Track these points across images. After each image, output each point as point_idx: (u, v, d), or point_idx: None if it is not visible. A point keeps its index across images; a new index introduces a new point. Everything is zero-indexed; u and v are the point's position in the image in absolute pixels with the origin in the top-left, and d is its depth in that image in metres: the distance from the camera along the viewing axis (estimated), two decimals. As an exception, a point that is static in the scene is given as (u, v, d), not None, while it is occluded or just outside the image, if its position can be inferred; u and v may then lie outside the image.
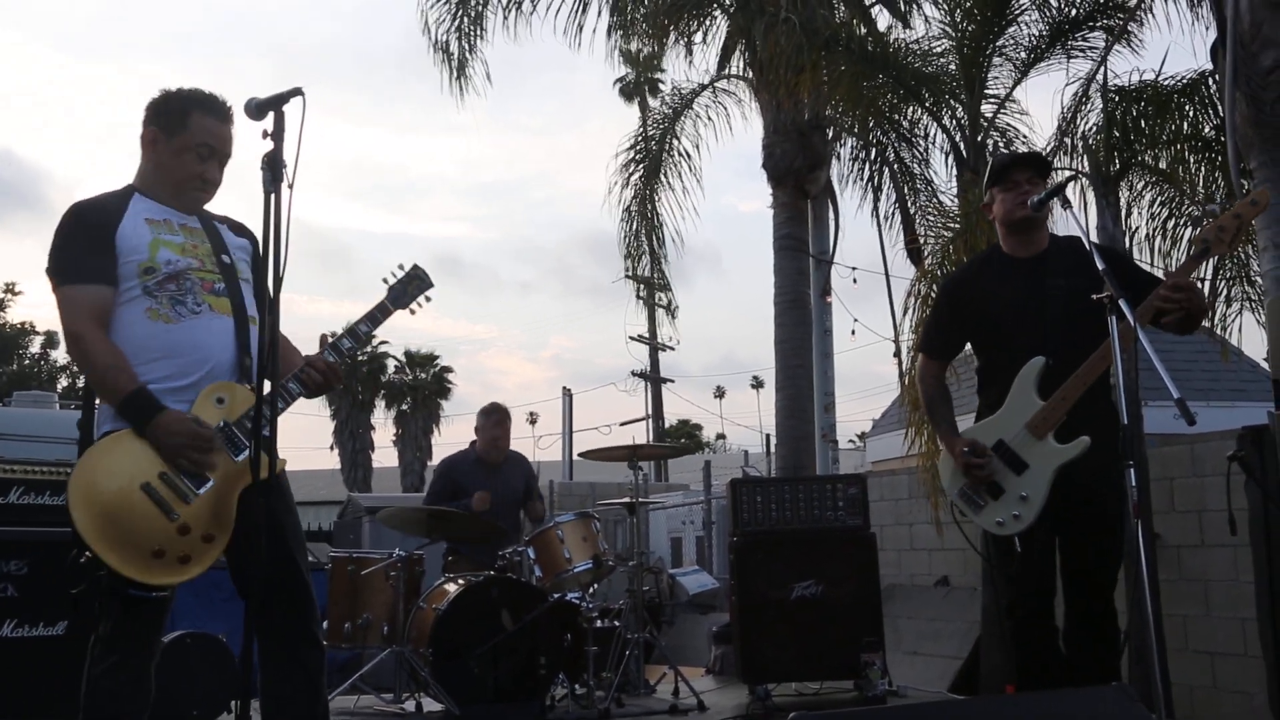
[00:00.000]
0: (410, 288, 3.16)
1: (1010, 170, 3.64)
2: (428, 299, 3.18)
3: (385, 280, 3.15)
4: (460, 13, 8.69)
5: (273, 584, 2.69)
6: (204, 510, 2.69)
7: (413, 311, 3.17)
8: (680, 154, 9.65)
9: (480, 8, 8.67)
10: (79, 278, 2.76)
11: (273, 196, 2.55)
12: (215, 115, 2.93)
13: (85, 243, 2.78)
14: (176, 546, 2.64)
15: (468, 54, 8.68)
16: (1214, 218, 3.28)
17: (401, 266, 3.20)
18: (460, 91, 8.76)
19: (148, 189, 2.92)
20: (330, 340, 3.03)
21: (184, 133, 2.89)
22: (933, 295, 6.32)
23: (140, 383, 2.70)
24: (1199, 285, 3.54)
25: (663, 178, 9.62)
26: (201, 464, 2.69)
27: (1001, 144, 7.16)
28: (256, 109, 2.64)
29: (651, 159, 9.69)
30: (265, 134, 2.58)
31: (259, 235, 2.62)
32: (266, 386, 2.77)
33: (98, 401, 2.83)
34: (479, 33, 8.68)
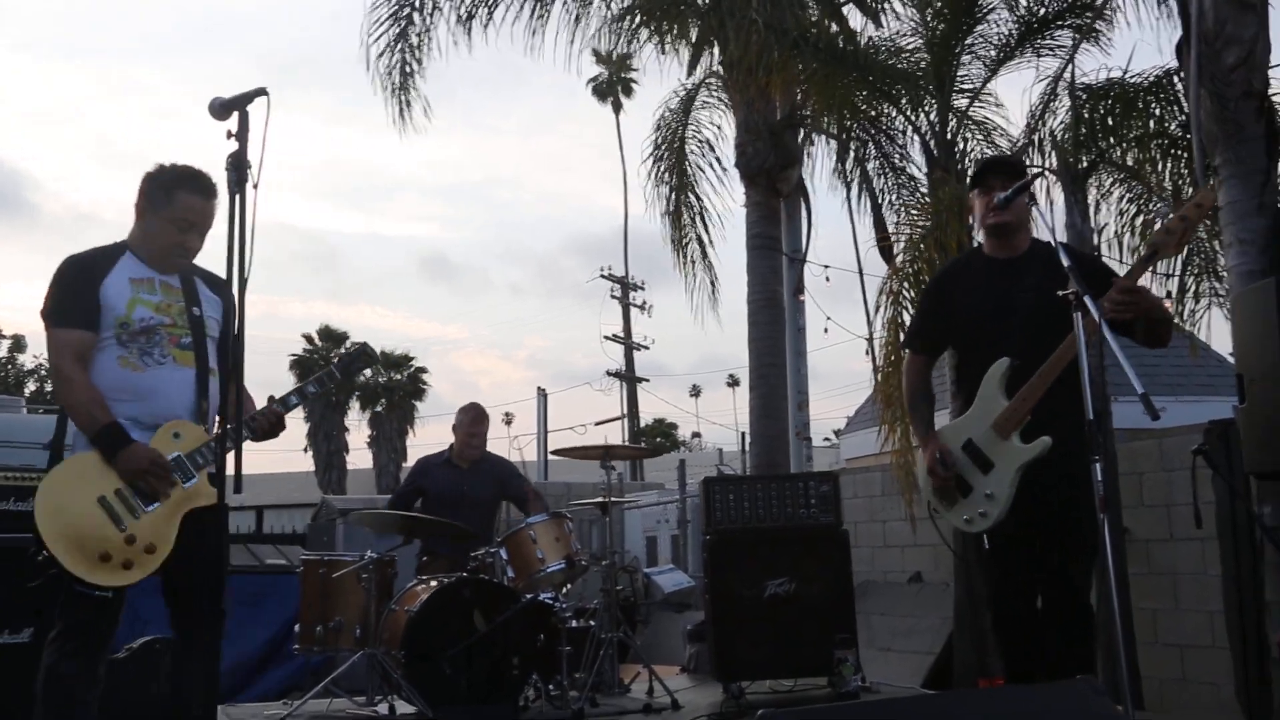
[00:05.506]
0: (357, 363, 3.80)
1: (983, 175, 3.69)
2: (372, 371, 3.55)
3: (333, 358, 3.52)
4: (400, 44, 8.48)
5: (200, 581, 3.08)
6: (151, 525, 3.09)
7: (353, 380, 3.51)
8: (694, 158, 9.57)
9: (427, 29, 8.48)
10: (66, 322, 3.19)
11: (238, 197, 2.55)
12: (199, 193, 3.25)
13: (75, 292, 3.19)
14: (122, 553, 3.03)
15: (411, 89, 8.50)
16: (1164, 219, 3.33)
17: (354, 344, 3.97)
18: (406, 121, 8.55)
19: (137, 249, 3.30)
20: (278, 399, 3.42)
21: (168, 208, 3.24)
22: (904, 293, 6.34)
23: (113, 417, 3.11)
24: (1148, 289, 3.56)
25: (687, 178, 9.52)
26: (159, 489, 3.11)
27: (974, 140, 7.19)
28: (221, 108, 2.64)
29: (676, 158, 9.56)
30: (229, 134, 2.58)
31: (227, 241, 2.70)
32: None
33: (70, 427, 3.27)
34: (419, 64, 8.51)
